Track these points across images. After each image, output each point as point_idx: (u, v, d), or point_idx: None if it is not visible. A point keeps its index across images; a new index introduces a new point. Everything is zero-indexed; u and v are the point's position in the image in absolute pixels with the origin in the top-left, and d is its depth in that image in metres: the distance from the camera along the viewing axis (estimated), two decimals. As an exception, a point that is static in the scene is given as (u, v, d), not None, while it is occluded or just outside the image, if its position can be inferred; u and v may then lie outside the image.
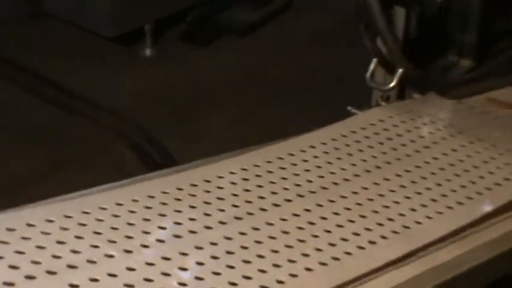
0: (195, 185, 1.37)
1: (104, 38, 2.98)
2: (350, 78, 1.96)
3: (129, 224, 1.24)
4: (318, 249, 1.25)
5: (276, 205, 1.35)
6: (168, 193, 1.34)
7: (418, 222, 1.36)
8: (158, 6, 3.04)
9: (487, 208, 1.43)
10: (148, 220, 1.26)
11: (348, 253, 1.26)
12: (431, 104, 1.87)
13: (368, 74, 1.89)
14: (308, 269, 1.20)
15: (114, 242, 1.18)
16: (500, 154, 1.62)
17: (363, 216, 1.35)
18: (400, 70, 1.85)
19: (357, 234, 1.30)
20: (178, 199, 1.33)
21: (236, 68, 2.86)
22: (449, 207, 1.42)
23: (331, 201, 1.39)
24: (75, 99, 2.78)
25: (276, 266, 1.19)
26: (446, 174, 1.54)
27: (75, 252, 1.14)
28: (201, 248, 1.21)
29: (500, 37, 2.21)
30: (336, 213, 1.35)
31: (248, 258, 1.20)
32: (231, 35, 3.11)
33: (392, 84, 1.86)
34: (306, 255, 1.23)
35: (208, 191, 1.36)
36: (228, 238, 1.24)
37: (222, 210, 1.31)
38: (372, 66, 1.89)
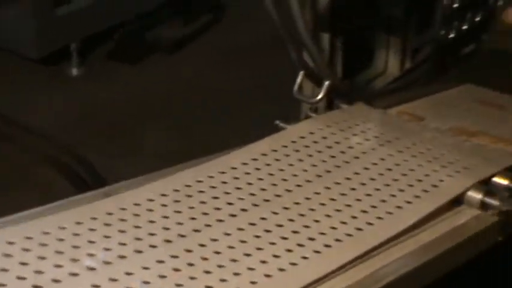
0: (124, 209, 1.35)
1: (30, 59, 2.94)
2: (281, 91, 1.97)
3: (58, 252, 1.22)
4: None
5: (208, 225, 1.34)
6: (97, 219, 1.32)
7: (359, 229, 1.38)
8: (84, 24, 3.02)
9: (408, 222, 1.44)
10: (77, 247, 1.24)
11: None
12: (359, 113, 1.89)
13: (295, 87, 1.91)
14: (267, 275, 1.21)
15: (41, 272, 1.16)
16: (420, 165, 1.65)
17: (295, 232, 1.36)
18: (327, 82, 1.89)
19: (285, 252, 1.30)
20: (107, 224, 1.31)
21: (167, 84, 2.86)
22: (379, 218, 1.43)
23: (264, 218, 1.39)
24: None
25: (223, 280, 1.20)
26: (377, 183, 1.56)
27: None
28: (131, 274, 1.19)
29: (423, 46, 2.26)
30: (268, 231, 1.35)
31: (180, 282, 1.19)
32: (160, 51, 3.11)
33: (319, 97, 1.89)
34: (264, 262, 1.25)
35: (137, 215, 1.34)
36: (160, 261, 1.23)
37: (153, 234, 1.29)
38: (298, 79, 1.91)
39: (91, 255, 1.22)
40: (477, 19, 2.27)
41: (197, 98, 2.80)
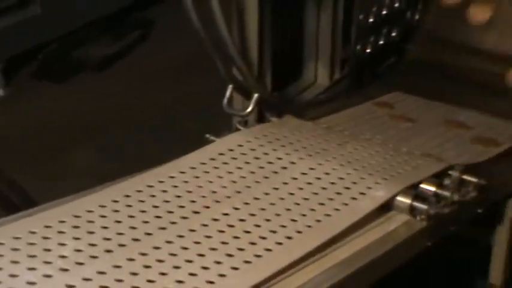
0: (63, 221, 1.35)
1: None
2: (212, 106, 1.98)
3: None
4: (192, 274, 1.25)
5: (136, 239, 1.34)
6: (36, 232, 1.30)
7: (279, 243, 1.38)
8: (7, 44, 2.98)
9: (337, 229, 1.46)
10: (16, 262, 1.22)
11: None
12: (288, 125, 1.91)
13: (225, 101, 1.92)
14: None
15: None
16: (348, 174, 1.66)
17: (224, 243, 1.36)
18: (256, 95, 1.90)
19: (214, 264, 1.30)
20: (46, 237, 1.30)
21: (95, 103, 2.84)
22: (308, 226, 1.45)
23: (192, 230, 1.39)
24: None
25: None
26: (305, 192, 1.57)
27: None
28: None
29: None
30: (197, 242, 1.35)
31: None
32: (88, 70, 3.09)
33: (248, 110, 1.89)
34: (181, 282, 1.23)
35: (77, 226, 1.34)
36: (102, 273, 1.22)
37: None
38: (228, 93, 1.92)
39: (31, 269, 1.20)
40: (395, 33, 2.34)
41: (128, 116, 2.79)
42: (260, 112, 2.01)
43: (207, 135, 1.80)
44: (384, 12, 2.25)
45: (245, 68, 1.88)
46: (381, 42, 2.29)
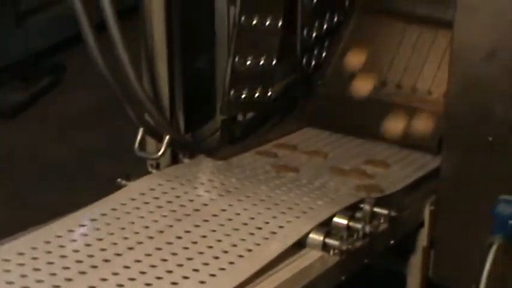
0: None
1: None
2: (125, 150, 1.98)
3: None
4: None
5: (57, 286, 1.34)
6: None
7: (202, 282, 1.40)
8: None
9: (256, 266, 1.46)
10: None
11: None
12: (201, 166, 1.92)
13: (136, 145, 1.91)
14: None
15: None
16: (260, 213, 1.67)
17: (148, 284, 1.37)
18: (167, 137, 1.89)
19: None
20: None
21: (7, 150, 2.78)
22: (222, 269, 1.45)
23: (115, 273, 1.40)
24: None
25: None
26: (218, 234, 1.57)
27: None
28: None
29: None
30: (121, 285, 1.37)
31: None
32: (1, 116, 3.02)
33: (160, 152, 1.89)
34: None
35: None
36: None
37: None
38: (139, 137, 1.91)
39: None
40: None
41: (40, 161, 2.75)
42: (173, 154, 2.03)
43: (119, 180, 1.80)
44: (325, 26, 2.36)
45: (155, 111, 1.88)
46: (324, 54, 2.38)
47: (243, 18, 2.04)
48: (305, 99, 2.30)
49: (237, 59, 2.05)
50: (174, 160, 2.02)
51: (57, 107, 3.05)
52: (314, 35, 2.34)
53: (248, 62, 2.08)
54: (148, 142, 2.01)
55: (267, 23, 2.11)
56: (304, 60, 2.34)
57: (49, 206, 2.35)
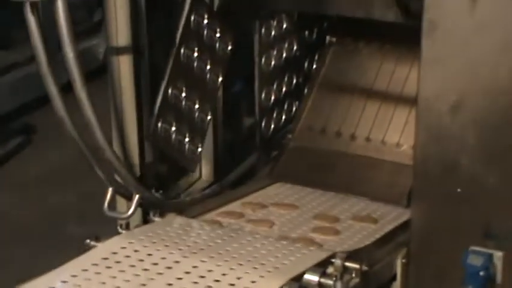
0: None
1: None
2: (96, 211, 1.97)
3: None
4: None
5: None
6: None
7: None
8: None
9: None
10: None
11: None
12: (172, 224, 1.91)
13: (105, 204, 1.90)
14: None
15: None
16: (232, 269, 1.66)
17: None
18: (137, 196, 1.90)
19: None
20: None
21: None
22: None
23: None
24: None
25: None
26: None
27: None
28: None
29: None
30: None
31: None
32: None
33: (130, 211, 1.89)
34: None
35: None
36: None
37: None
38: (108, 196, 1.91)
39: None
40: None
41: (7, 223, 2.71)
42: (144, 212, 2.02)
43: (88, 241, 1.78)
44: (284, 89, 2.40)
45: (124, 170, 1.88)
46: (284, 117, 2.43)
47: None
48: (266, 160, 2.37)
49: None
50: (145, 219, 2.01)
51: (27, 167, 3.03)
52: (273, 98, 2.39)
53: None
54: (118, 201, 2.01)
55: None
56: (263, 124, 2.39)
57: (18, 267, 2.32)
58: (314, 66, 2.49)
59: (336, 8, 2.22)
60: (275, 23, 2.32)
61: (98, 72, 2.29)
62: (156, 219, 1.95)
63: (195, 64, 2.11)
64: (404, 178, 2.09)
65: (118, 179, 1.89)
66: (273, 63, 2.34)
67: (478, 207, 1.80)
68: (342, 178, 2.24)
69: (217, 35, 2.17)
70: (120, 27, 2.00)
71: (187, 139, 2.11)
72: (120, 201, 2.01)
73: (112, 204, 1.92)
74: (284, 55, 2.39)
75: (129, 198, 1.91)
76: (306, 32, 2.49)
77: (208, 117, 2.17)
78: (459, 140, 1.78)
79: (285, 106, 2.45)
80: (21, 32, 1.74)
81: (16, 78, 3.48)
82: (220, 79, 2.19)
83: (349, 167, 2.27)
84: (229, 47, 2.21)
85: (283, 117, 2.45)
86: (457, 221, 1.82)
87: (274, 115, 2.42)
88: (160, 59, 2.08)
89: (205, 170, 2.36)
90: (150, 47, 2.09)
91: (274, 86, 2.39)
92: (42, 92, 1.74)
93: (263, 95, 2.34)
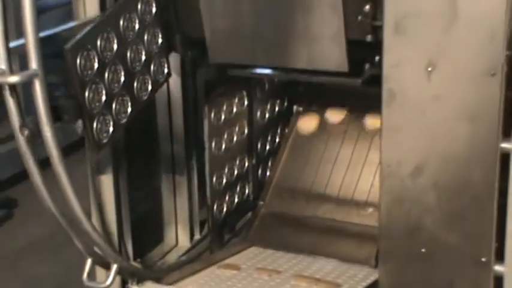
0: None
1: None
2: (74, 281, 1.95)
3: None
4: None
5: None
6: None
7: None
8: None
9: None
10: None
11: None
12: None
13: (84, 275, 1.89)
14: None
15: None
16: None
17: None
18: (115, 266, 1.89)
19: None
20: None
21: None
22: None
23: None
24: None
25: None
26: None
27: None
28: None
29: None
30: None
31: None
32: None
33: (109, 281, 1.88)
34: None
35: None
36: None
37: None
38: (87, 267, 1.90)
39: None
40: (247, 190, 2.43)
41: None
42: (123, 281, 2.02)
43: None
44: (236, 172, 2.35)
45: (102, 241, 1.88)
46: (236, 200, 2.37)
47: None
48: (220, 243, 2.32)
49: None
50: (123, 287, 2.01)
51: (8, 240, 2.99)
52: (224, 181, 2.33)
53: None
54: (98, 271, 2.00)
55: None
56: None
57: None
58: (277, 139, 2.52)
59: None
60: (225, 107, 2.27)
61: (77, 146, 2.29)
62: (134, 287, 1.96)
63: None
64: (372, 239, 2.08)
65: (96, 249, 1.88)
66: (223, 146, 2.27)
67: (441, 265, 1.82)
68: (312, 241, 2.25)
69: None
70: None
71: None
72: (100, 271, 2.00)
73: (91, 274, 1.91)
74: (235, 138, 2.34)
75: (108, 268, 1.90)
76: (271, 105, 2.48)
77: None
78: (421, 203, 1.80)
79: (238, 188, 2.41)
80: (1, 109, 1.75)
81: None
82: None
83: (319, 230, 2.29)
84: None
85: (236, 200, 2.40)
86: (422, 280, 1.83)
87: (227, 198, 2.36)
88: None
89: (181, 237, 2.36)
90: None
91: (226, 170, 2.33)
92: (23, 167, 1.74)
93: (214, 179, 2.28)
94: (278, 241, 2.29)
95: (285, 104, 2.52)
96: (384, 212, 1.84)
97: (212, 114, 2.21)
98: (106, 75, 1.85)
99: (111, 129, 1.86)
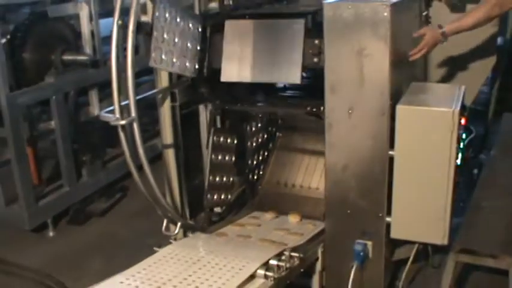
0: None
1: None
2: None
3: None
4: None
5: None
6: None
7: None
8: (54, 207, 2.72)
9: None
10: None
11: None
12: (199, 238, 1.91)
13: (163, 228, 1.89)
14: None
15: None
16: (236, 257, 1.64)
17: None
18: (179, 223, 1.89)
19: None
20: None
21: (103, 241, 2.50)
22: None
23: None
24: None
25: None
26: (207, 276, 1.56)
27: None
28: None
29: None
30: None
31: None
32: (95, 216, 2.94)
33: (176, 231, 1.88)
34: None
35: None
36: None
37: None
38: (164, 223, 1.89)
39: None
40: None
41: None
42: (184, 231, 1.97)
43: (154, 248, 1.76)
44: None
45: (172, 209, 1.86)
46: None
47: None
48: (252, 197, 2.28)
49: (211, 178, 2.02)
50: (185, 235, 1.98)
51: (125, 208, 2.86)
52: (255, 163, 2.28)
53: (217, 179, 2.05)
54: (171, 226, 1.95)
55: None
56: (250, 176, 2.30)
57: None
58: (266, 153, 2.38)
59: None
60: (229, 133, 2.09)
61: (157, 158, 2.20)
62: (190, 235, 1.95)
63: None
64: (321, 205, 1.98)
65: (169, 214, 1.88)
66: (219, 158, 2.09)
67: (358, 220, 1.80)
68: (287, 207, 2.20)
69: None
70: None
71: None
72: (171, 226, 1.94)
73: (167, 228, 1.90)
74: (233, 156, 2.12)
75: (175, 224, 1.90)
76: (262, 132, 2.33)
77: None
78: (347, 185, 1.79)
79: (260, 166, 2.30)
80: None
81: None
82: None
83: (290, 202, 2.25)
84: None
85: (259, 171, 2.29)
86: (349, 227, 1.82)
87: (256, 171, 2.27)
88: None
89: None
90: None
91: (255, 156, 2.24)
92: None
93: (249, 162, 2.21)
94: (269, 205, 2.22)
95: (271, 131, 2.41)
96: (328, 191, 1.82)
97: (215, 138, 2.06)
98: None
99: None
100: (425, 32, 1.81)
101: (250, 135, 2.26)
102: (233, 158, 2.11)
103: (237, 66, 1.90)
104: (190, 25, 1.87)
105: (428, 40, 1.79)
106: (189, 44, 1.87)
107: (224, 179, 2.09)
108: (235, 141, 2.12)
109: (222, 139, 2.07)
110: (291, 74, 1.84)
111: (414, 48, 1.82)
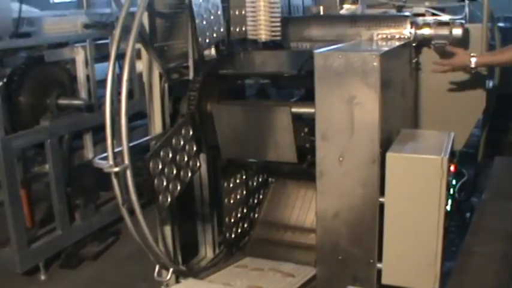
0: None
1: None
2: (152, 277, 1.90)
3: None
4: None
5: None
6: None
7: None
8: (46, 251, 2.70)
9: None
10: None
11: None
12: (191, 284, 1.92)
13: (155, 274, 1.90)
14: None
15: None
16: None
17: None
18: (171, 269, 1.90)
19: None
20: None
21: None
22: None
23: None
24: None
25: None
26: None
27: None
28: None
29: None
30: None
31: None
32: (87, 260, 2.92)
33: (168, 277, 1.89)
34: None
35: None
36: None
37: None
38: (156, 268, 1.90)
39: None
40: (246, 225, 2.31)
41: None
42: (176, 277, 1.98)
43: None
44: (239, 214, 2.24)
45: (164, 256, 1.88)
46: (239, 230, 2.27)
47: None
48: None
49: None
50: (177, 281, 1.98)
51: (118, 251, 2.83)
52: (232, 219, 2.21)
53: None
54: (163, 272, 1.96)
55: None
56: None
57: None
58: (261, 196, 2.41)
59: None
60: (232, 179, 2.16)
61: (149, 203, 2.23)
62: (182, 281, 1.96)
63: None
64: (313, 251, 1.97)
65: (161, 260, 1.89)
66: (232, 201, 2.19)
67: (349, 265, 1.80)
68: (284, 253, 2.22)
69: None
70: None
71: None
72: (163, 272, 1.96)
73: (159, 274, 1.92)
74: (238, 196, 2.20)
75: (168, 269, 1.91)
76: (257, 178, 2.38)
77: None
78: (338, 232, 1.79)
79: (240, 223, 2.26)
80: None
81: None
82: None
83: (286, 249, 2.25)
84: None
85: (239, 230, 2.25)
86: (340, 273, 1.81)
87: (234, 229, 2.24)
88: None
89: (208, 251, 2.27)
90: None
91: (233, 213, 2.22)
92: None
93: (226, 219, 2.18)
94: (262, 252, 2.23)
95: (265, 177, 2.44)
96: (319, 237, 1.82)
97: (225, 184, 2.16)
98: (165, 170, 1.80)
99: (169, 199, 1.84)
100: (458, 52, 1.80)
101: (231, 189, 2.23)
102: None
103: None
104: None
105: (455, 61, 1.79)
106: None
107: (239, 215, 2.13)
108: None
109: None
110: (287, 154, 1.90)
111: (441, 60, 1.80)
